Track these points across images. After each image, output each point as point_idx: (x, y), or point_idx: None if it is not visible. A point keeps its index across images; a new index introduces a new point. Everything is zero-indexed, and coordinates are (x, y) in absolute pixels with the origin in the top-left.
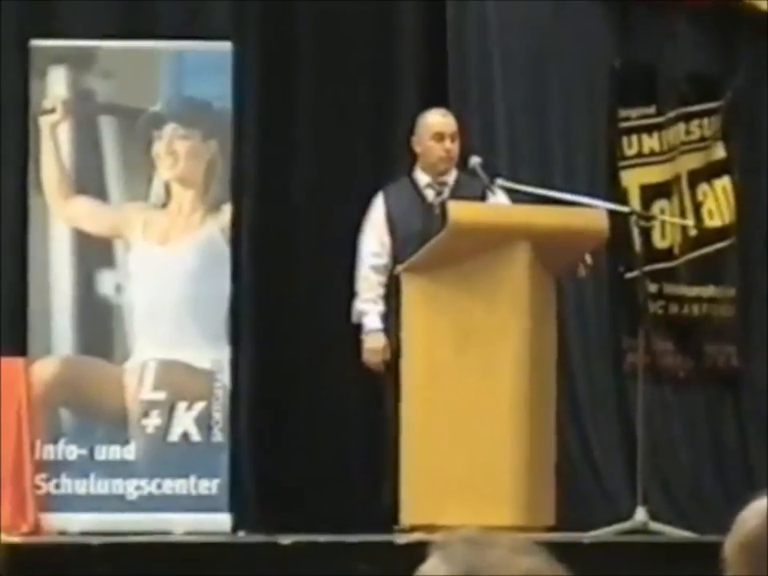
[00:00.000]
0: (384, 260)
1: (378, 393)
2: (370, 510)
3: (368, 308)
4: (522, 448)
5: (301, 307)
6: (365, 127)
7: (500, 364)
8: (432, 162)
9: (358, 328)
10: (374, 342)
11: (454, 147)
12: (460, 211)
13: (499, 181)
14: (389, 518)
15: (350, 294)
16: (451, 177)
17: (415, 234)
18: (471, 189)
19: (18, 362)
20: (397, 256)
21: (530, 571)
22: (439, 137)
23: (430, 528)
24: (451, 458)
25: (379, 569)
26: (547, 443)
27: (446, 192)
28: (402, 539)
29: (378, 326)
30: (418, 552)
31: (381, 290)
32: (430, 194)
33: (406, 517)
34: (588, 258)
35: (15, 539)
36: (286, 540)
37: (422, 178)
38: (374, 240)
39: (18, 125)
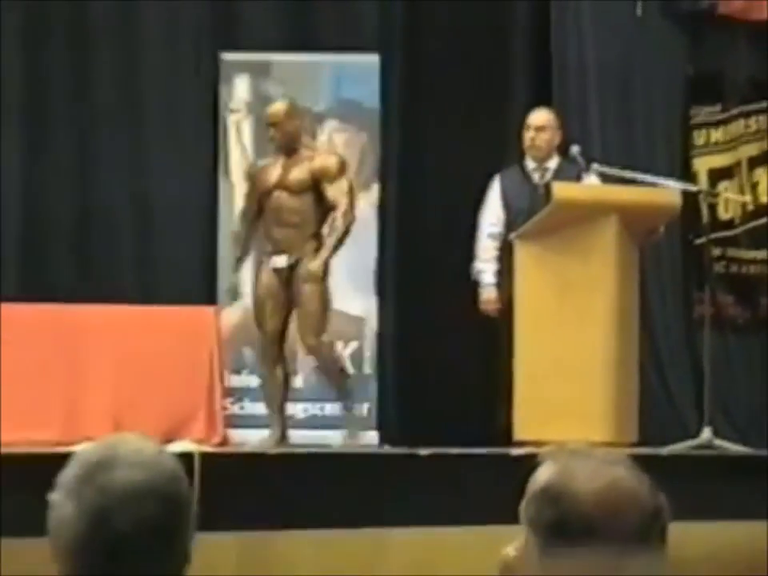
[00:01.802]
0: (499, 229)
1: (494, 335)
2: (490, 429)
3: (485, 267)
4: (612, 378)
5: (432, 266)
6: (485, 122)
7: (594, 311)
8: (524, 149)
9: (476, 284)
10: (488, 294)
11: (537, 137)
12: (562, 190)
13: (594, 165)
14: (505, 435)
15: (471, 257)
16: (553, 162)
17: (524, 209)
18: (569, 172)
19: (210, 310)
20: (509, 227)
21: (615, 480)
22: (527, 128)
23: (537, 443)
24: (554, 386)
25: (497, 476)
26: (632, 375)
27: (549, 175)
28: (516, 452)
29: (492, 281)
30: (529, 462)
31: (495, 253)
32: (535, 177)
33: (519, 434)
34: (661, 228)
35: (208, 449)
36: (424, 452)
37: (529, 163)
38: (491, 213)
39: (210, 122)
